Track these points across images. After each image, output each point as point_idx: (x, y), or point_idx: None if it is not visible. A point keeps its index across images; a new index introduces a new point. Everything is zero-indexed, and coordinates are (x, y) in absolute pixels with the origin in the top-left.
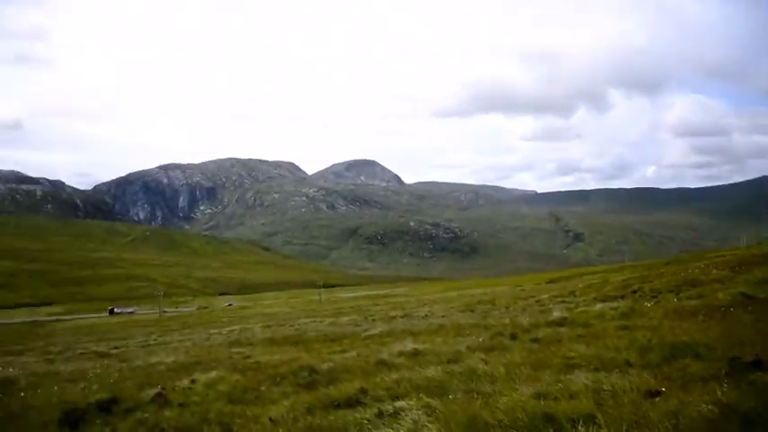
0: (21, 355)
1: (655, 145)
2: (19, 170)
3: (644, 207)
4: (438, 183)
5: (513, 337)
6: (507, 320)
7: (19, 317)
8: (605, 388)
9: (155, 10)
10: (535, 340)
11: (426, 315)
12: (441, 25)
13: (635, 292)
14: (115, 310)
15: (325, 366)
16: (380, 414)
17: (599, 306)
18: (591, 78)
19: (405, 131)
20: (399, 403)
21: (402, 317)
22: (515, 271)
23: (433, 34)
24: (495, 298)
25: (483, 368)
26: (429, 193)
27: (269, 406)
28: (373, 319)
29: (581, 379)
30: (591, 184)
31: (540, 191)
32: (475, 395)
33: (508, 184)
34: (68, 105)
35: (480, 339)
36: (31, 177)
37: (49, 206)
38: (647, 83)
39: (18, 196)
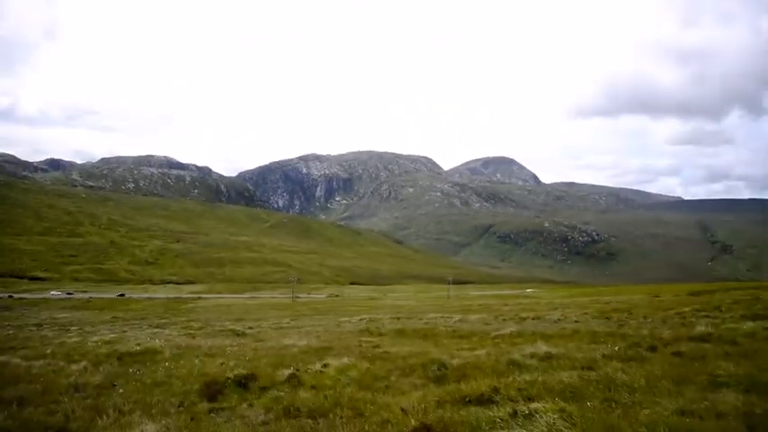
0: (165, 328)
1: None
2: (171, 156)
3: None
4: (576, 184)
5: (653, 348)
6: (646, 331)
7: (164, 293)
8: (758, 411)
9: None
10: (677, 354)
11: (559, 319)
12: (580, 21)
13: None
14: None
15: (455, 362)
16: (514, 414)
17: (749, 324)
18: (745, 79)
19: (544, 130)
20: (534, 405)
21: (533, 319)
22: (654, 281)
23: (573, 31)
24: (632, 307)
25: (621, 378)
26: (566, 194)
27: (399, 396)
28: (503, 319)
29: (730, 399)
30: (743, 193)
31: (686, 197)
32: (613, 404)
33: (652, 188)
34: (216, 98)
35: (617, 348)
36: (181, 163)
37: (196, 191)
38: None
39: (169, 180)
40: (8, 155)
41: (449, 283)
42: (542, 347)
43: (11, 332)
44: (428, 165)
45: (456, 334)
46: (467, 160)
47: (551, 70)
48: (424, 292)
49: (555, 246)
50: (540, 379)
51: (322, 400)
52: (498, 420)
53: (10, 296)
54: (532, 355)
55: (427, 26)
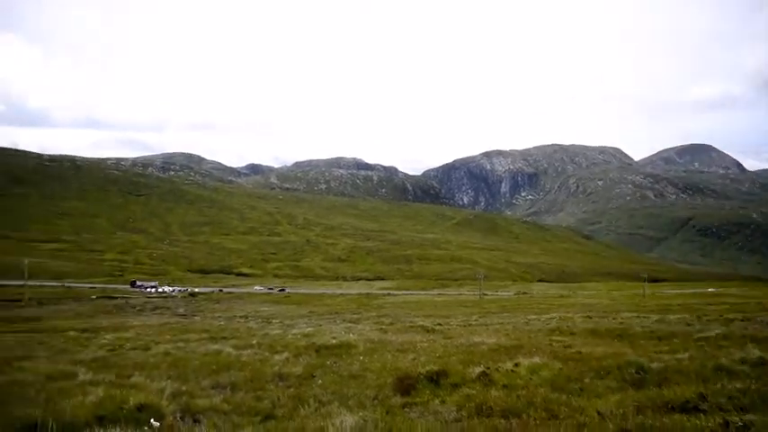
0: (358, 323)
1: None
2: (359, 157)
3: None
4: None
5: None
6: None
7: (356, 289)
8: None
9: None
10: None
11: None
12: None
13: None
14: (137, 283)
15: (654, 365)
16: (726, 425)
17: None
18: None
19: (744, 112)
20: (749, 416)
21: (741, 320)
22: None
23: None
24: None
25: None
26: None
27: (594, 399)
28: (707, 320)
29: None
30: None
31: None
32: None
33: None
34: (400, 99)
35: None
36: (369, 164)
37: (383, 190)
38: None
39: (357, 181)
40: (216, 162)
41: (644, 281)
42: (755, 352)
43: (222, 323)
44: (617, 156)
45: (654, 335)
46: (659, 149)
47: (745, 42)
48: (616, 290)
49: (764, 239)
50: (753, 387)
51: (514, 400)
52: (708, 431)
53: (220, 290)
54: (743, 361)
55: (613, 14)
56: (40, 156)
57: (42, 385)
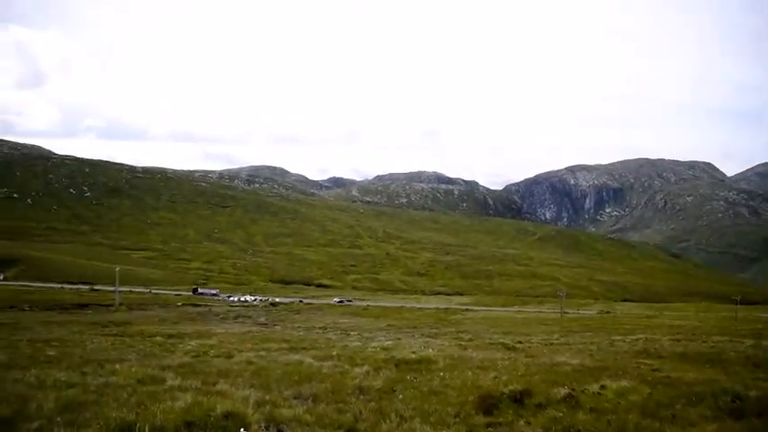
0: (436, 338)
1: None
2: (440, 171)
3: None
4: None
5: None
6: None
7: (434, 303)
8: None
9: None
10: None
11: None
12: None
13: None
14: (199, 290)
15: (752, 394)
16: None
17: None
18: None
19: None
20: None
21: None
22: None
23: None
24: None
25: None
26: None
27: (688, 428)
28: None
29: None
30: None
31: None
32: None
33: None
34: (481, 113)
35: None
36: (450, 178)
37: (464, 204)
38: None
39: (438, 195)
40: (299, 175)
41: (736, 303)
42: None
43: (301, 333)
44: (708, 171)
45: (749, 361)
46: (755, 164)
47: None
48: (706, 312)
49: None
50: None
51: (605, 426)
52: None
53: (300, 301)
54: None
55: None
56: (133, 168)
57: (134, 388)
